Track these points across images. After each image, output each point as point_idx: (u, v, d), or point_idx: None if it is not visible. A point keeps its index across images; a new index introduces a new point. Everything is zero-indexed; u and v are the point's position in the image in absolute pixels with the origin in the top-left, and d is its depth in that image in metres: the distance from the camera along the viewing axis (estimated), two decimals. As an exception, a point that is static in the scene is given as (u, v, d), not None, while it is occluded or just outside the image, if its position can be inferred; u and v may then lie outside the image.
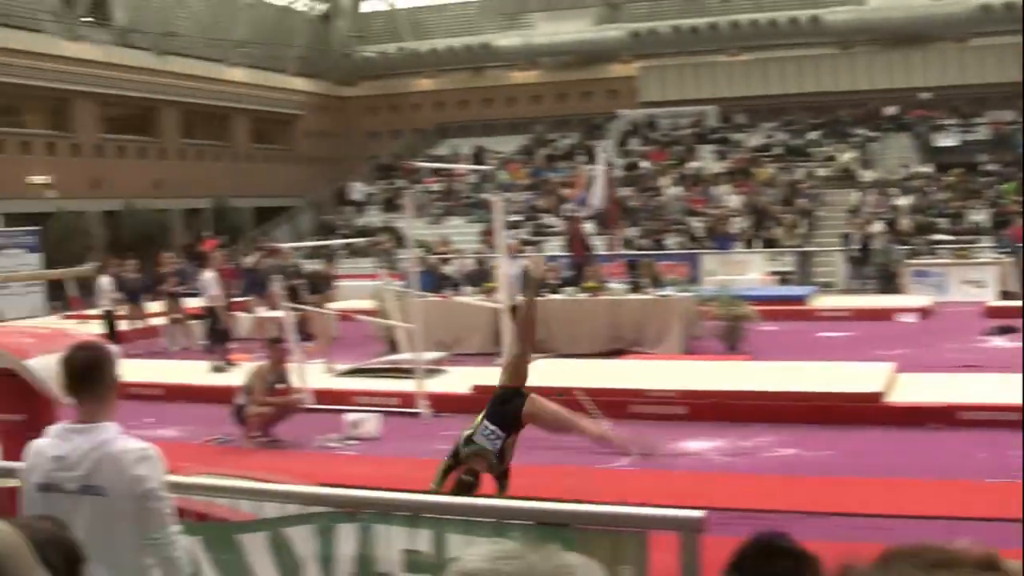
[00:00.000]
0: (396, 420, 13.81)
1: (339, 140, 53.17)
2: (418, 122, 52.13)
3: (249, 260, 25.25)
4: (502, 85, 51.54)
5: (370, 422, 13.08)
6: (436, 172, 42.99)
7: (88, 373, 4.24)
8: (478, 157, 45.12)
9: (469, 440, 8.16)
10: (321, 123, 52.35)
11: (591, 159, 34.13)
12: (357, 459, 12.05)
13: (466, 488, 7.90)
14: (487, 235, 34.17)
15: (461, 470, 8.05)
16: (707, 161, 41.67)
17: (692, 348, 19.06)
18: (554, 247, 31.08)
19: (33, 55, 36.51)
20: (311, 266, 25.99)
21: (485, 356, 18.43)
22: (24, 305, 30.62)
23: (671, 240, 34.03)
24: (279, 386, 13.36)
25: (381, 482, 9.36)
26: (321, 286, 20.04)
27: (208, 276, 20.38)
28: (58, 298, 31.42)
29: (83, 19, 39.64)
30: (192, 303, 22.70)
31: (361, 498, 5.09)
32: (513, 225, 35.19)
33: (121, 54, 40.60)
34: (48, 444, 4.22)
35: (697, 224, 35.08)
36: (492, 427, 8.16)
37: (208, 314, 20.44)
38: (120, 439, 4.14)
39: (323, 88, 52.61)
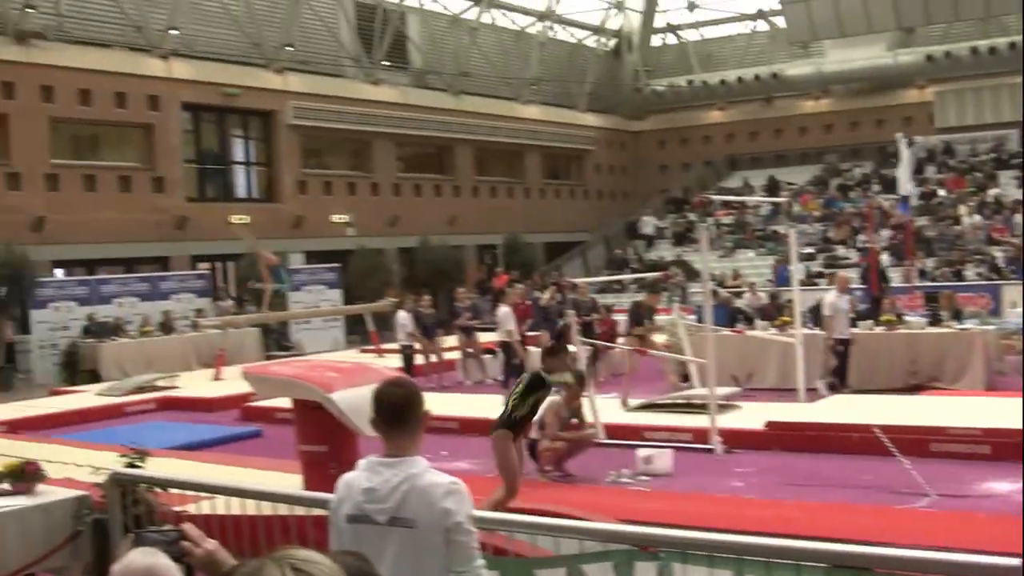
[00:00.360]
0: (688, 456, 13.69)
1: (629, 174, 53.51)
2: (708, 154, 52.05)
3: (544, 296, 25.53)
4: (793, 115, 50.96)
5: (662, 458, 13.00)
6: (727, 205, 42.75)
7: (400, 409, 4.35)
8: (771, 188, 44.71)
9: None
10: (611, 157, 52.76)
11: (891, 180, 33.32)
12: (649, 495, 11.98)
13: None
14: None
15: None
16: (1008, 187, 40.20)
17: (995, 384, 18.39)
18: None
19: (336, 99, 38.18)
20: (635, 297, 25.92)
21: (778, 391, 18.20)
22: (325, 339, 31.92)
23: (970, 271, 33.05)
24: (572, 421, 13.44)
25: (674, 519, 9.33)
26: (641, 317, 20.14)
27: (504, 311, 20.78)
28: (356, 332, 32.51)
29: (382, 63, 41.06)
30: (485, 337, 23.16)
31: (660, 536, 5.09)
32: (806, 257, 34.75)
33: (418, 95, 41.96)
34: (359, 477, 4.35)
35: (998, 254, 33.92)
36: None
37: (503, 348, 20.79)
38: (428, 473, 4.24)
39: (613, 123, 53.00)
